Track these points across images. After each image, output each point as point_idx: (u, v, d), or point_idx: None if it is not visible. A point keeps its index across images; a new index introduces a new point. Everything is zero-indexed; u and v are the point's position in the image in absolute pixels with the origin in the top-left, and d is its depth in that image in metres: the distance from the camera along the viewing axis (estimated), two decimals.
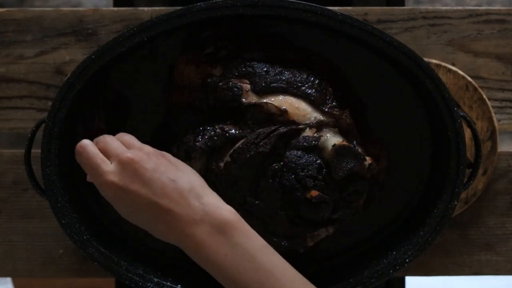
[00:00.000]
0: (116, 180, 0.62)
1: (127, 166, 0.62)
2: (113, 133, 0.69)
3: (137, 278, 0.73)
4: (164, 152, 0.66)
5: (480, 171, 0.84)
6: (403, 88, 0.75)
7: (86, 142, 0.65)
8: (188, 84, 0.72)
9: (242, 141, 0.69)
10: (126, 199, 0.63)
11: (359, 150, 0.70)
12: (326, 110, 0.70)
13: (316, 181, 0.68)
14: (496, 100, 0.85)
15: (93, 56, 0.69)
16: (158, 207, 0.62)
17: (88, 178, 0.67)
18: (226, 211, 0.63)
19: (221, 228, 0.62)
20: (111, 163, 0.63)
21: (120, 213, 0.65)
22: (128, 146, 0.65)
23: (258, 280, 0.61)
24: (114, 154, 0.63)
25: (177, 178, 0.63)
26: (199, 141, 0.70)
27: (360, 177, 0.70)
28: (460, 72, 0.83)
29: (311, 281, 0.78)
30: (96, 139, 0.66)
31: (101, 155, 0.64)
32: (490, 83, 0.85)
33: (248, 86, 0.69)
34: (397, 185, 0.77)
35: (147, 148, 0.65)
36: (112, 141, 0.65)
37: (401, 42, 0.69)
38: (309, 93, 0.69)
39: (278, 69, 0.70)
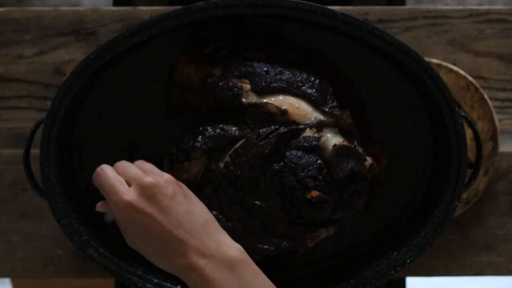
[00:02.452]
0: (134, 200, 0.63)
1: (146, 190, 0.63)
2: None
3: (137, 279, 0.73)
4: (180, 183, 0.67)
5: (481, 172, 0.84)
6: (403, 88, 0.75)
7: (105, 165, 0.66)
8: (188, 84, 0.72)
9: (242, 141, 0.69)
10: (139, 222, 0.63)
11: (360, 150, 0.70)
12: (326, 110, 0.70)
13: (317, 182, 0.68)
14: (497, 100, 0.85)
15: (92, 56, 0.69)
16: (171, 236, 0.63)
17: (98, 207, 0.69)
18: (237, 250, 0.64)
19: (231, 265, 0.62)
20: (130, 186, 0.65)
21: (126, 237, 0.66)
22: (147, 172, 0.66)
23: None
24: (134, 178, 0.65)
25: (193, 211, 0.64)
26: (199, 141, 0.69)
27: (360, 178, 0.70)
28: (461, 72, 0.83)
29: (312, 281, 0.78)
30: (115, 164, 0.67)
31: (119, 178, 0.65)
32: (491, 83, 0.85)
33: (248, 86, 0.69)
34: (398, 185, 0.77)
35: (167, 175, 0.66)
36: (131, 167, 0.67)
37: (402, 42, 0.69)
38: (310, 93, 0.69)
39: (278, 69, 0.70)
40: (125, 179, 0.65)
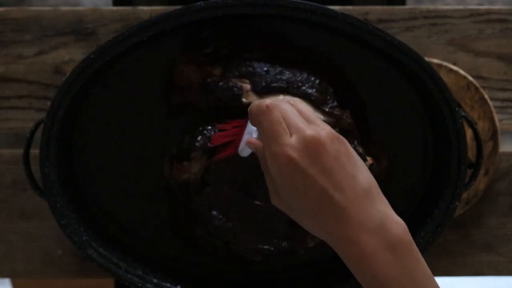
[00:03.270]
0: (297, 157, 0.55)
1: (310, 146, 0.56)
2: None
3: (136, 279, 0.73)
4: (343, 138, 0.58)
5: (482, 172, 0.84)
6: (404, 88, 0.75)
7: (274, 104, 0.58)
8: (188, 84, 0.72)
9: None
10: (299, 182, 0.56)
11: (360, 150, 0.70)
12: (326, 110, 0.69)
13: None
14: (497, 100, 0.85)
15: (92, 56, 0.69)
16: (332, 201, 0.55)
17: (249, 142, 0.62)
18: (402, 228, 0.56)
19: (394, 244, 0.55)
20: (291, 136, 0.57)
21: (278, 196, 0.59)
22: (309, 121, 0.58)
23: None
24: (296, 128, 0.57)
25: (357, 175, 0.57)
26: (199, 141, 0.69)
27: None
28: (461, 72, 0.83)
29: (312, 281, 0.78)
30: (271, 102, 0.59)
31: (284, 124, 0.57)
32: (491, 83, 0.84)
33: (248, 86, 0.69)
34: (398, 185, 0.77)
35: (329, 129, 0.58)
36: (293, 112, 0.58)
37: (402, 42, 0.69)
38: (310, 93, 0.69)
39: (278, 69, 0.70)
40: (288, 127, 0.57)
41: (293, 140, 0.56)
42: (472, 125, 0.73)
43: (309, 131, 0.56)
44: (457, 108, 0.70)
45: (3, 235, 0.86)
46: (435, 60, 0.83)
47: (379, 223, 0.55)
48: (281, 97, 0.69)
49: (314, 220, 0.57)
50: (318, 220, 0.57)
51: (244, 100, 0.69)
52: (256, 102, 0.59)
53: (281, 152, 0.56)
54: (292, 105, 0.60)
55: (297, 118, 0.58)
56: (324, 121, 0.69)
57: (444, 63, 0.83)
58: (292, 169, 0.56)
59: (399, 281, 0.55)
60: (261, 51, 0.72)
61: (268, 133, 0.58)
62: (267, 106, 0.58)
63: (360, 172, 0.57)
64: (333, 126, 0.70)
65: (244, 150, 0.64)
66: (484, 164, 0.84)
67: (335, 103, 0.70)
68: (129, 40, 0.69)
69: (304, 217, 0.58)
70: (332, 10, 0.69)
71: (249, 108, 0.60)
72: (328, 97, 0.70)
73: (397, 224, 0.56)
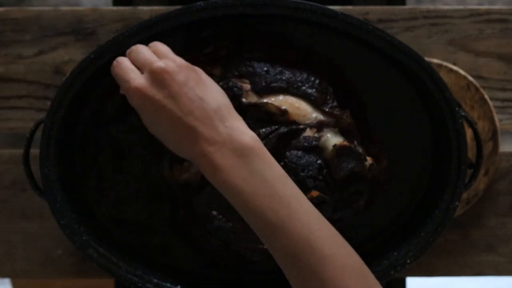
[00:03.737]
0: (143, 87, 0.61)
1: (157, 76, 0.61)
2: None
3: (137, 279, 0.73)
4: (196, 67, 0.64)
5: (482, 172, 0.84)
6: (404, 88, 0.75)
7: (121, 58, 0.65)
8: None
9: None
10: (151, 108, 0.62)
11: (360, 150, 0.70)
12: (326, 110, 0.69)
13: (317, 182, 0.68)
14: (497, 100, 0.85)
15: (92, 56, 0.69)
16: (181, 123, 0.61)
17: (121, 91, 0.66)
18: (248, 137, 0.61)
19: (242, 152, 0.60)
20: (142, 73, 0.63)
21: (144, 122, 0.64)
22: (161, 56, 0.64)
23: (273, 208, 0.59)
24: (145, 63, 0.63)
25: (205, 97, 0.62)
26: None
27: (360, 177, 0.70)
28: (462, 72, 0.83)
29: None
30: (129, 49, 0.65)
31: (132, 66, 0.64)
32: (491, 83, 0.84)
33: (248, 86, 0.69)
34: (398, 185, 0.77)
35: (180, 60, 0.63)
36: (144, 51, 0.64)
37: (402, 42, 0.69)
38: (310, 93, 0.69)
39: (278, 69, 0.70)
40: (138, 66, 0.63)
41: (140, 75, 0.62)
42: (472, 125, 0.73)
43: (156, 63, 0.62)
44: (457, 108, 0.70)
45: (3, 235, 0.86)
46: (435, 60, 0.83)
47: (227, 136, 0.61)
48: (281, 97, 0.69)
49: (173, 142, 0.63)
50: (176, 142, 0.62)
51: (244, 100, 0.69)
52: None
53: (129, 87, 0.62)
54: (151, 45, 0.65)
55: (147, 55, 0.63)
56: (324, 121, 0.69)
57: (444, 63, 0.83)
58: (141, 98, 0.61)
59: (250, 182, 0.60)
60: (261, 51, 0.72)
61: (120, 79, 0.63)
62: (116, 61, 0.64)
63: (209, 94, 0.62)
64: (333, 126, 0.70)
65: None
66: (484, 164, 0.84)
67: (335, 103, 0.70)
68: (129, 40, 0.68)
69: (166, 140, 0.64)
70: (332, 10, 0.69)
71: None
72: (328, 97, 0.70)
73: (244, 133, 0.61)
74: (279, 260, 0.61)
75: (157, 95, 0.61)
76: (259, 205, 0.59)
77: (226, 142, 0.60)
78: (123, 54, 0.70)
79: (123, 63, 0.64)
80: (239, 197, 0.60)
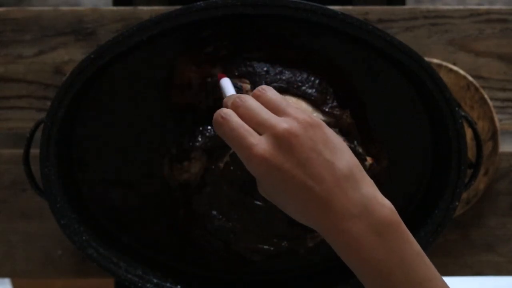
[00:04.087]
0: (268, 155, 0.53)
1: (282, 141, 0.54)
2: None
3: (136, 279, 0.73)
4: (319, 122, 0.56)
5: (481, 172, 0.84)
6: (403, 88, 0.75)
7: (228, 112, 0.56)
8: (188, 84, 0.72)
9: None
10: (277, 178, 0.54)
11: (360, 150, 0.70)
12: (326, 110, 0.69)
13: None
14: (497, 100, 0.85)
15: (92, 56, 0.69)
16: (312, 193, 0.54)
17: (238, 155, 0.57)
18: (387, 209, 0.54)
19: (380, 228, 0.54)
20: (261, 134, 0.55)
21: (263, 191, 0.58)
22: (276, 111, 0.56)
23: None
24: (265, 125, 0.55)
25: (336, 160, 0.54)
26: (199, 141, 0.69)
27: None
28: (461, 72, 0.83)
29: (312, 282, 0.78)
30: (232, 101, 0.57)
31: (247, 127, 0.55)
32: (491, 83, 0.84)
33: (248, 86, 0.69)
34: (398, 185, 0.77)
35: (301, 115, 0.55)
36: (258, 109, 0.56)
37: (402, 42, 0.69)
38: (310, 93, 0.69)
39: (278, 69, 0.70)
40: (253, 126, 0.55)
41: (262, 139, 0.54)
42: (472, 125, 0.73)
43: (279, 126, 0.54)
44: (457, 108, 0.70)
45: (3, 235, 0.86)
46: (435, 60, 0.83)
47: (363, 207, 0.54)
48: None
49: (299, 212, 0.56)
50: (303, 213, 0.55)
51: None
52: (216, 113, 0.57)
53: (252, 155, 0.54)
54: (259, 95, 0.57)
55: (263, 113, 0.56)
56: (324, 121, 0.69)
57: (444, 63, 0.83)
58: (267, 168, 0.54)
59: (388, 263, 0.54)
60: (261, 51, 0.72)
61: (232, 142, 0.55)
62: (222, 117, 0.56)
63: (339, 156, 0.55)
64: (333, 126, 0.70)
65: None
66: (484, 164, 0.84)
67: (335, 103, 0.70)
68: (129, 40, 0.68)
69: (291, 210, 0.57)
70: (332, 10, 0.69)
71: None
72: (328, 97, 0.70)
73: (382, 206, 0.54)
74: None
75: (286, 164, 0.53)
76: (392, 286, 0.54)
77: (363, 215, 0.54)
78: (123, 54, 0.70)
79: (234, 121, 0.55)
80: (375, 278, 0.54)
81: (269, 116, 0.55)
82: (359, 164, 0.56)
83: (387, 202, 0.55)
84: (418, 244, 0.56)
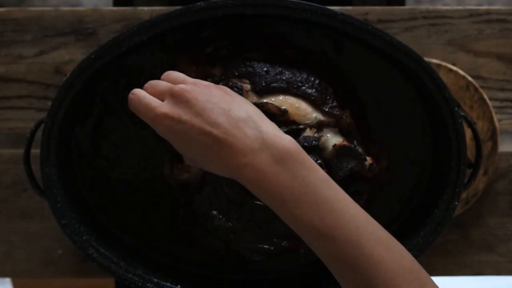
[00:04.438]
0: (168, 111, 0.59)
1: (180, 98, 0.59)
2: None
3: (137, 279, 0.73)
4: (221, 86, 0.63)
5: (481, 171, 0.84)
6: (403, 88, 0.75)
7: (136, 89, 0.63)
8: None
9: None
10: (179, 131, 0.59)
11: (360, 150, 0.70)
12: (326, 110, 0.70)
13: None
14: (497, 100, 0.85)
15: (92, 56, 0.69)
16: (212, 137, 0.58)
17: (145, 120, 0.64)
18: (286, 140, 0.58)
19: (281, 158, 0.57)
20: (163, 101, 0.61)
21: (176, 148, 0.62)
22: (178, 82, 0.62)
23: (320, 214, 0.56)
24: (165, 91, 0.61)
25: (232, 107, 0.59)
26: None
27: (360, 177, 0.70)
28: (461, 72, 0.83)
29: (312, 282, 0.78)
30: (144, 86, 0.63)
31: (150, 96, 0.61)
32: (490, 83, 0.85)
33: (248, 86, 0.69)
34: (398, 185, 0.77)
35: (199, 80, 0.62)
36: (160, 83, 0.62)
37: (401, 42, 0.69)
38: (310, 93, 0.69)
39: (278, 69, 0.70)
40: (157, 97, 0.61)
41: (163, 102, 0.60)
42: (471, 125, 0.73)
43: (175, 87, 0.60)
44: (456, 108, 0.70)
45: (4, 235, 0.86)
46: (434, 60, 0.83)
47: (262, 141, 0.58)
48: (281, 97, 0.69)
49: (210, 161, 0.60)
50: (212, 160, 0.59)
51: None
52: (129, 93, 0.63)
53: (154, 115, 0.60)
54: (164, 76, 0.63)
55: (164, 84, 0.61)
56: (324, 121, 0.69)
57: (444, 63, 0.83)
58: (169, 123, 0.59)
59: (293, 190, 0.57)
60: (261, 51, 0.72)
61: (139, 111, 0.61)
62: (132, 93, 0.62)
63: (236, 105, 0.60)
64: (333, 126, 0.70)
65: None
66: (484, 164, 0.84)
67: (335, 103, 0.70)
68: (129, 40, 0.69)
69: (204, 162, 0.61)
70: (332, 10, 0.69)
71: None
72: (328, 97, 0.70)
73: (281, 138, 0.58)
74: (329, 266, 0.59)
75: (184, 115, 0.59)
76: (305, 213, 0.57)
77: (263, 148, 0.58)
78: (123, 54, 0.70)
79: (140, 93, 0.62)
80: (284, 206, 0.57)
81: (168, 84, 0.62)
82: (260, 112, 0.61)
83: (287, 136, 0.59)
84: (323, 171, 0.59)
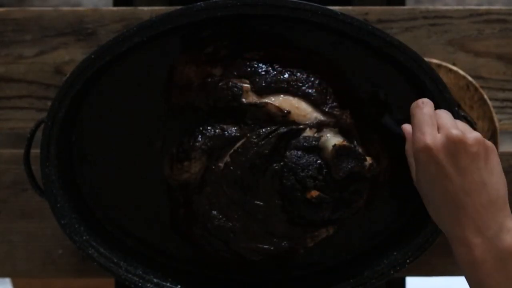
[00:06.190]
0: (434, 147, 0.60)
1: (451, 142, 0.60)
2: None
3: (137, 279, 0.73)
4: (490, 145, 0.62)
5: None
6: (403, 88, 0.75)
7: (427, 100, 0.64)
8: (188, 84, 0.72)
9: (242, 141, 0.69)
10: (431, 170, 0.61)
11: (360, 150, 0.70)
12: (326, 110, 0.70)
13: (316, 181, 0.68)
14: (497, 100, 0.85)
15: (92, 56, 0.69)
16: (456, 199, 0.60)
17: (403, 128, 0.68)
18: None
19: (505, 256, 0.58)
20: (438, 132, 0.62)
21: (416, 176, 0.64)
22: (459, 128, 0.62)
23: None
24: (445, 126, 0.62)
25: (489, 182, 0.60)
26: (199, 141, 0.69)
27: (360, 177, 0.70)
28: (461, 72, 0.83)
29: (312, 281, 0.78)
30: (426, 100, 0.65)
31: (434, 121, 0.63)
32: (490, 83, 0.85)
33: (248, 86, 0.69)
34: (398, 184, 0.77)
35: (477, 134, 0.61)
36: (447, 117, 0.64)
37: (401, 42, 0.69)
38: (309, 93, 0.69)
39: (278, 69, 0.70)
40: (437, 125, 0.62)
41: (437, 134, 0.61)
42: (471, 125, 0.73)
43: (456, 131, 0.60)
44: (456, 108, 0.70)
45: (4, 235, 0.86)
46: (434, 60, 0.83)
47: (495, 233, 0.58)
48: (281, 97, 0.69)
49: (436, 210, 0.62)
50: (440, 211, 0.61)
51: (244, 100, 0.69)
52: (419, 99, 0.65)
53: (420, 139, 0.61)
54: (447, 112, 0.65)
55: (449, 119, 0.63)
56: (324, 121, 0.69)
57: (444, 63, 0.83)
58: (428, 157, 0.61)
59: (501, 286, 0.58)
60: (261, 51, 0.72)
61: (416, 122, 0.63)
62: (422, 102, 0.64)
63: (493, 180, 0.60)
64: (333, 126, 0.70)
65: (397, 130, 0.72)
66: None
67: (335, 103, 0.70)
68: (130, 40, 0.69)
69: (430, 205, 0.63)
70: (332, 10, 0.69)
71: None
72: (328, 97, 0.70)
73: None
74: None
75: (445, 161, 0.60)
76: None
77: (493, 240, 0.58)
78: (123, 54, 0.70)
79: (428, 110, 0.63)
80: None
81: (452, 122, 0.62)
82: (507, 197, 0.61)
83: None
84: None
